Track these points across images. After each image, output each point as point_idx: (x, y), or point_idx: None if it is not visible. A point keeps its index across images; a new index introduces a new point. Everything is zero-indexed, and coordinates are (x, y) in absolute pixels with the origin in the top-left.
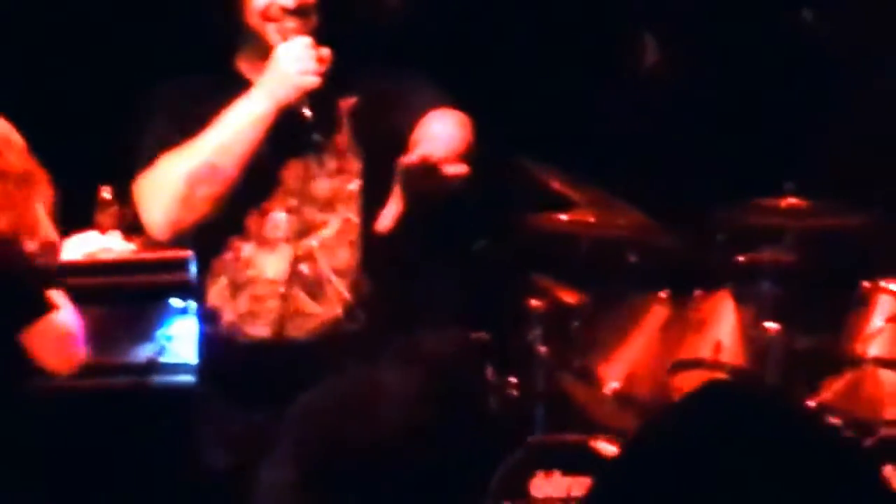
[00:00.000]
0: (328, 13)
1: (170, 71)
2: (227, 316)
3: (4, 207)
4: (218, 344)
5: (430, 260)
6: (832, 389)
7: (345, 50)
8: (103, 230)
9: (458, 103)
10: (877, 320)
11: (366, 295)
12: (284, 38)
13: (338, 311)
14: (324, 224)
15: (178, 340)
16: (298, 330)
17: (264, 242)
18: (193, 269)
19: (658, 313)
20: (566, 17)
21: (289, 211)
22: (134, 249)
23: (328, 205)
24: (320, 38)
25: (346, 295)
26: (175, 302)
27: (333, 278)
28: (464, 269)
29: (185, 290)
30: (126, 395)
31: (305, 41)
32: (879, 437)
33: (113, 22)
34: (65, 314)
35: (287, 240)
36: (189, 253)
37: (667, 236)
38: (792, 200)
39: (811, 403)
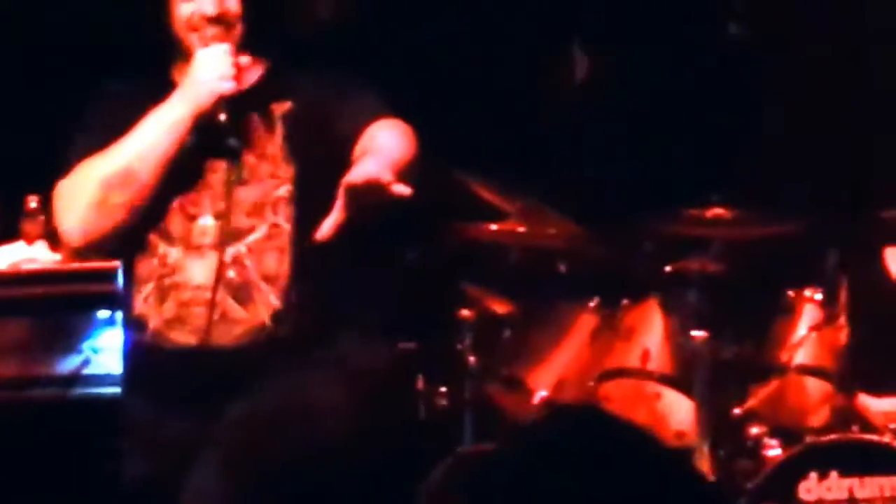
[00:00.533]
0: (255, 21)
1: (98, 77)
2: (153, 323)
3: None
4: (144, 351)
5: (360, 268)
6: (758, 397)
7: (278, 56)
8: (30, 240)
9: (394, 112)
10: (801, 328)
11: (295, 302)
12: (206, 47)
13: (265, 317)
14: (252, 229)
15: (105, 352)
16: (225, 336)
17: (191, 248)
18: (121, 279)
19: (587, 322)
20: (498, 29)
21: (216, 216)
22: (59, 259)
23: (256, 210)
24: (247, 45)
25: (275, 301)
26: (101, 313)
27: (262, 284)
28: (394, 278)
29: (112, 301)
30: (50, 407)
31: (223, 48)
32: (805, 444)
33: (42, 27)
34: None
35: (214, 245)
36: (117, 263)
37: (596, 246)
38: (718, 210)
39: (737, 411)
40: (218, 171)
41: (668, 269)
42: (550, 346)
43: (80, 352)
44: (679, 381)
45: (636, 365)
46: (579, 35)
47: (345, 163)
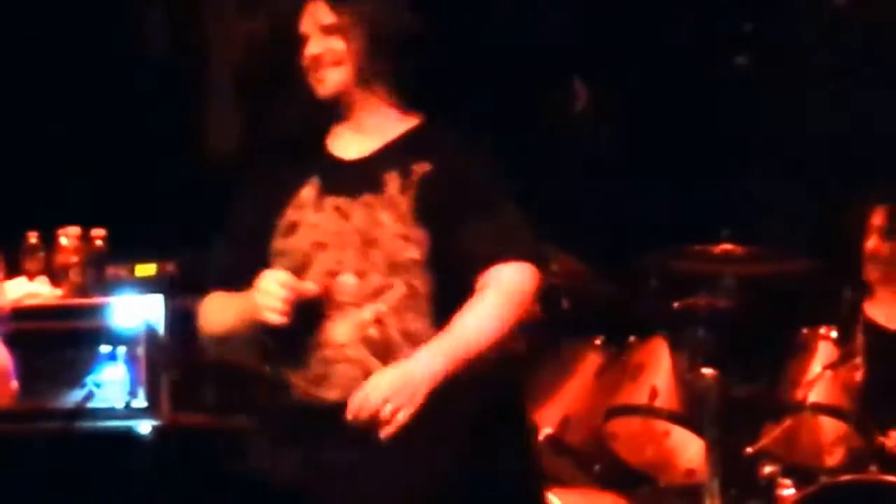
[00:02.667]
0: (407, 76)
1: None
2: (298, 381)
3: None
4: (292, 409)
5: None
6: (771, 436)
7: (432, 114)
8: (31, 276)
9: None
10: (816, 367)
11: None
12: (318, 87)
13: None
14: (389, 287)
15: (107, 386)
16: None
17: (332, 305)
18: (116, 315)
19: (592, 360)
20: (496, 62)
21: (357, 275)
22: (61, 295)
23: (392, 269)
24: (400, 98)
25: None
26: (104, 348)
27: (403, 342)
28: None
29: (111, 335)
30: (54, 440)
31: (279, 277)
32: (820, 484)
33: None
34: None
35: (355, 304)
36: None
37: (600, 283)
38: (727, 246)
39: (750, 450)
40: (354, 228)
41: (675, 305)
42: (556, 383)
43: (82, 386)
44: (688, 419)
45: (644, 402)
46: (580, 67)
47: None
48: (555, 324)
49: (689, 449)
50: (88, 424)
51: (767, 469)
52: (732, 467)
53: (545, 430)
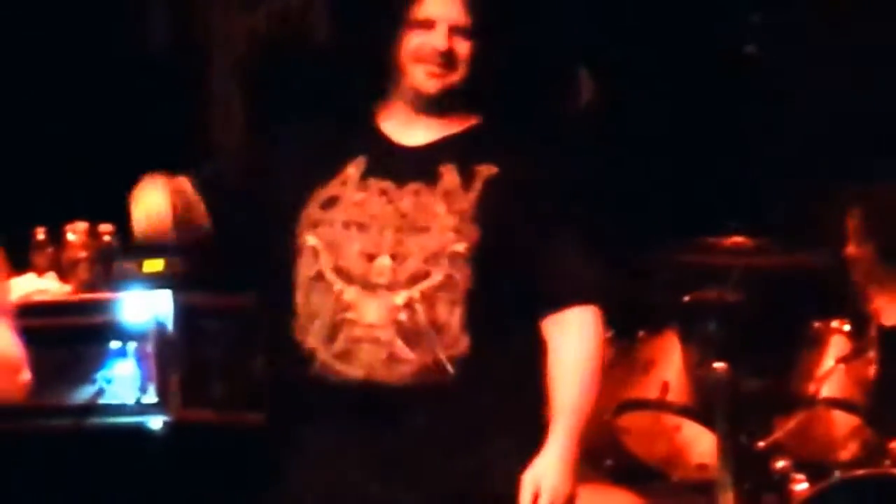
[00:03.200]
0: (476, 74)
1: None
2: (322, 356)
3: None
4: (310, 383)
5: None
6: (783, 430)
7: (490, 114)
8: (40, 272)
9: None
10: (829, 361)
11: (461, 352)
12: (428, 81)
13: (429, 361)
14: (427, 275)
15: (117, 382)
16: (391, 375)
17: (368, 287)
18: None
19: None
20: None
21: (393, 257)
22: (69, 291)
23: (433, 258)
24: (464, 94)
25: (439, 348)
26: (113, 344)
27: (431, 331)
28: None
29: (120, 331)
30: (64, 437)
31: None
32: (833, 479)
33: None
34: (4, 340)
35: (389, 287)
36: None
37: (611, 276)
38: (737, 239)
39: (762, 444)
40: (398, 212)
41: (686, 299)
42: None
43: (93, 382)
44: (700, 414)
45: (655, 397)
46: (587, 58)
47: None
48: None
49: (700, 443)
50: (99, 421)
51: (780, 463)
52: (745, 462)
53: None
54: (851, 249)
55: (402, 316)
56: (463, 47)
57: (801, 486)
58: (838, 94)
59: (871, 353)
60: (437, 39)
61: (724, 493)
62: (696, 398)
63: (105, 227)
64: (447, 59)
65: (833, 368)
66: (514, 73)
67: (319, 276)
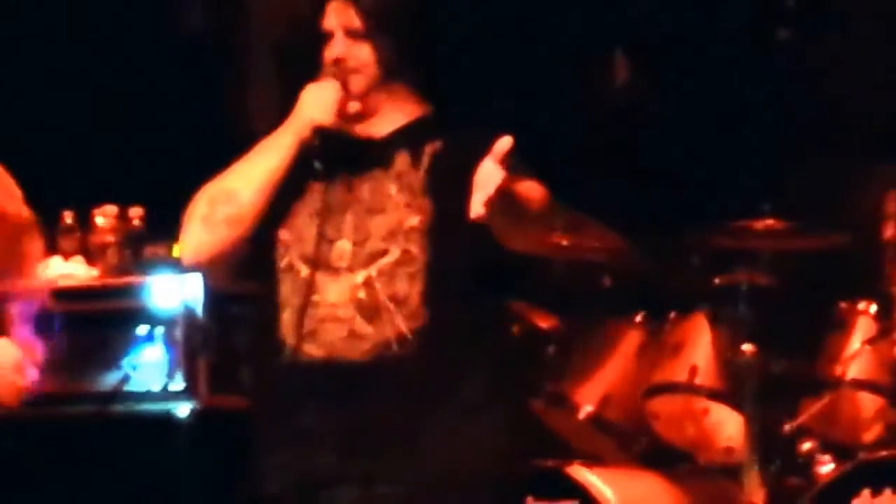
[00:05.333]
0: (419, 69)
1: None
2: (290, 340)
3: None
4: (282, 369)
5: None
6: (810, 412)
7: (441, 106)
8: (66, 256)
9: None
10: (855, 342)
11: (419, 325)
12: (342, 90)
13: (391, 336)
14: (384, 253)
15: (144, 368)
16: (352, 351)
17: (329, 270)
18: (154, 295)
19: (633, 337)
20: (539, 34)
21: (353, 242)
22: (96, 275)
23: (390, 236)
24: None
25: (401, 323)
26: (141, 329)
27: (390, 305)
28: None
29: (148, 316)
30: (90, 423)
31: (330, 84)
32: (858, 460)
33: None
34: (4, 345)
35: (350, 268)
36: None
37: (641, 259)
38: (768, 222)
39: (789, 426)
40: (357, 199)
41: (716, 281)
42: (596, 361)
43: (119, 368)
44: (728, 396)
45: (684, 380)
46: (623, 41)
47: None
48: (595, 300)
49: (727, 427)
50: (125, 407)
51: (806, 446)
52: (772, 444)
53: (586, 408)
54: (889, 231)
55: (362, 293)
56: (364, 51)
57: (826, 467)
58: (875, 75)
59: None
60: (333, 49)
61: (751, 475)
62: (725, 381)
63: (135, 211)
64: (343, 66)
65: (859, 350)
66: (475, 60)
67: (289, 267)
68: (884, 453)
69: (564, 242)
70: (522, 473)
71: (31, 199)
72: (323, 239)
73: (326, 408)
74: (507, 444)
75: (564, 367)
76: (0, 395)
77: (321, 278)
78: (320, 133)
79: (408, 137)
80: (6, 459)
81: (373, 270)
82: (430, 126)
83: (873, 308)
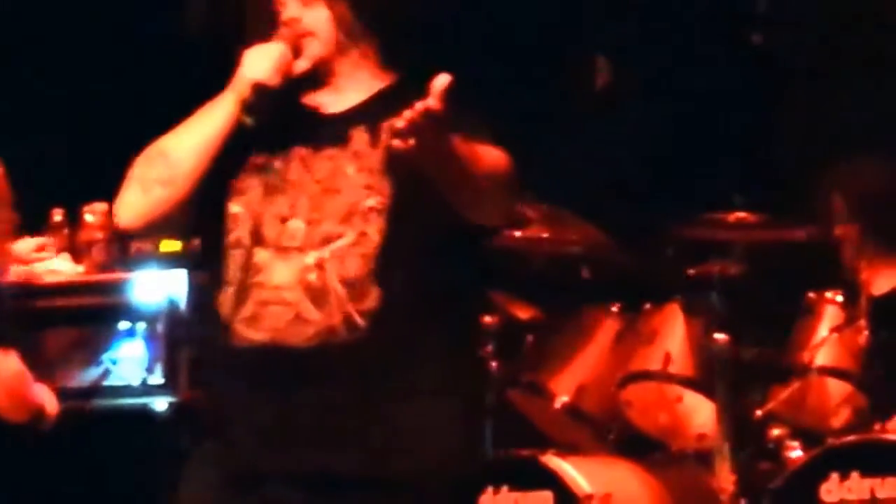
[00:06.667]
0: (386, 37)
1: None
2: (231, 322)
3: None
4: (220, 350)
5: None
6: (779, 399)
7: (407, 74)
8: (55, 252)
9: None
10: (822, 330)
11: (370, 307)
12: (295, 57)
13: (338, 320)
14: (340, 236)
15: (124, 363)
16: (297, 337)
17: (280, 250)
18: (138, 290)
19: (609, 327)
20: (520, 38)
21: (307, 221)
22: (82, 272)
23: (347, 218)
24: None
25: (348, 305)
26: (122, 324)
27: (339, 288)
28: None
29: (132, 312)
30: (69, 418)
31: (273, 46)
32: (826, 445)
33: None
34: (11, 362)
35: (301, 249)
36: (131, 275)
37: (618, 251)
38: (740, 214)
39: (759, 413)
40: (313, 178)
41: (690, 272)
42: (573, 351)
43: (100, 363)
44: (701, 384)
45: (658, 368)
46: (602, 42)
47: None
48: (573, 291)
49: (700, 414)
50: (104, 402)
51: (776, 432)
52: (742, 431)
53: (562, 398)
54: (840, 231)
55: (312, 276)
56: (320, 14)
57: (795, 453)
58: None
59: (863, 322)
60: (286, 11)
61: (722, 462)
62: (698, 369)
63: None
64: (297, 29)
65: (827, 338)
66: (438, 32)
67: (237, 243)
68: (851, 438)
69: (543, 235)
70: (479, 464)
71: (20, 196)
72: (275, 217)
73: (265, 397)
74: (461, 434)
75: (542, 357)
76: (8, 410)
77: (269, 258)
78: (264, 94)
79: (366, 114)
80: None
81: (325, 252)
82: (390, 99)
83: (840, 297)
